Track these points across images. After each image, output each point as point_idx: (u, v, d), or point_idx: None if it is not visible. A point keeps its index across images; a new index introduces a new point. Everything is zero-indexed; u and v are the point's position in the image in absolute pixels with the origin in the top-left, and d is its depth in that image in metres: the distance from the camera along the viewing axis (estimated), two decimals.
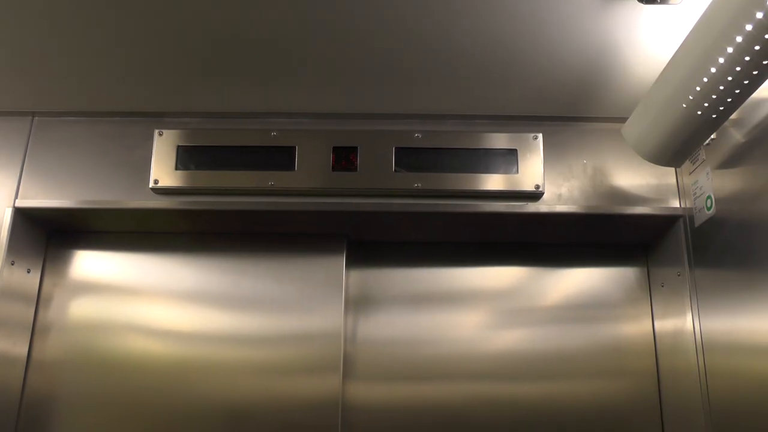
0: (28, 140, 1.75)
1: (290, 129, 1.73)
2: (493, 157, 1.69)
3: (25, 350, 1.76)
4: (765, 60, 1.08)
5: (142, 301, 1.82)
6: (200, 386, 1.75)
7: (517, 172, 1.68)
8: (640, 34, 1.41)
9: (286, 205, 1.69)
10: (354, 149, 1.69)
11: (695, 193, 1.60)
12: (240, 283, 1.83)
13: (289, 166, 1.68)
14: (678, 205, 1.68)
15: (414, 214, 1.70)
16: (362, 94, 1.67)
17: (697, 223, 1.59)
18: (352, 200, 1.69)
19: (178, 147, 1.71)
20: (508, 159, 1.69)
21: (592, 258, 1.90)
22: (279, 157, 1.69)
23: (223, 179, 1.69)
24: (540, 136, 1.71)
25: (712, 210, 1.51)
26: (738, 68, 1.11)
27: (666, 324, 1.76)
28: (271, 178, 1.68)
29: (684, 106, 1.26)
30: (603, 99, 1.66)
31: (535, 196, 1.69)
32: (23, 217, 1.73)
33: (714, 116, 1.25)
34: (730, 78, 1.14)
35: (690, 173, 1.63)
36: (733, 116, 1.36)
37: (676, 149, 1.39)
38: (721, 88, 1.17)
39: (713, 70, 1.15)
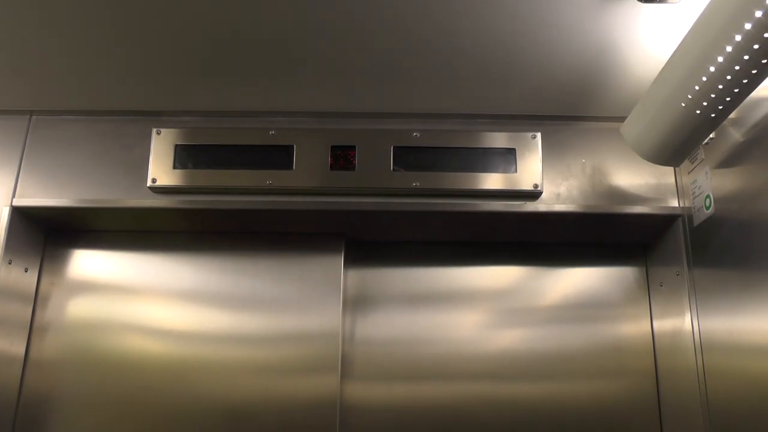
0: (25, 139, 1.75)
1: (288, 128, 1.73)
2: (492, 157, 1.69)
3: (22, 350, 1.76)
4: (764, 59, 1.08)
5: (140, 301, 1.82)
6: (198, 386, 1.75)
7: (516, 171, 1.68)
8: (639, 33, 1.41)
9: (284, 204, 1.69)
10: (352, 148, 1.69)
11: (694, 193, 1.60)
12: (238, 283, 1.83)
13: (287, 165, 1.68)
14: (677, 205, 1.68)
15: (412, 213, 1.70)
16: (360, 93, 1.66)
17: (696, 222, 1.59)
18: (350, 199, 1.69)
19: (176, 146, 1.70)
20: (507, 158, 1.69)
21: (590, 257, 1.90)
22: (277, 156, 1.69)
23: (221, 178, 1.68)
24: (539, 135, 1.71)
25: (711, 209, 1.51)
26: (737, 67, 1.11)
27: (665, 324, 1.76)
28: (270, 177, 1.67)
29: (683, 105, 1.26)
30: (602, 98, 1.66)
31: (534, 195, 1.68)
32: (21, 216, 1.73)
33: (713, 115, 1.25)
34: (729, 77, 1.14)
35: (689, 172, 1.63)
36: (732, 115, 1.36)
37: (675, 148, 1.39)
38: (720, 87, 1.17)
39: (712, 69, 1.15)
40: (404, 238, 1.90)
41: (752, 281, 1.33)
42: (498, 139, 1.71)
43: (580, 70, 1.54)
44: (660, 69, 1.32)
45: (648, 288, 1.87)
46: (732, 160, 1.44)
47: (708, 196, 1.52)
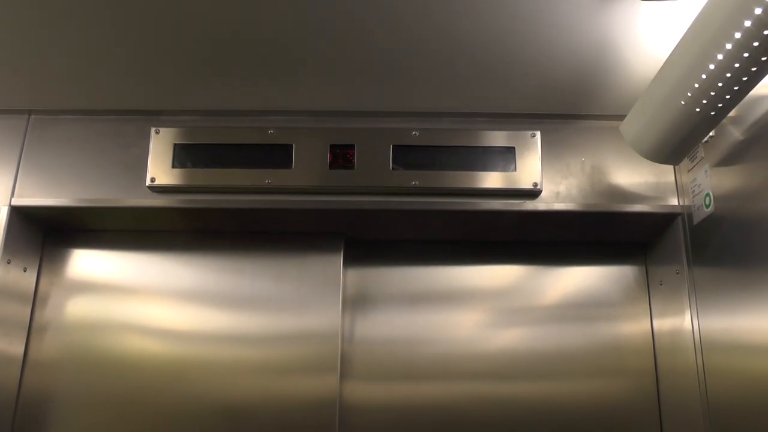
0: (24, 138, 1.75)
1: (287, 127, 1.72)
2: (491, 155, 1.69)
3: (21, 349, 1.76)
4: (763, 57, 1.08)
5: (138, 300, 1.82)
6: (197, 386, 1.75)
7: (515, 170, 1.68)
8: (638, 31, 1.40)
9: (283, 203, 1.69)
10: (351, 147, 1.69)
11: (694, 191, 1.59)
12: (237, 282, 1.83)
13: (286, 164, 1.68)
14: (676, 203, 1.68)
15: (411, 212, 1.70)
16: (360, 92, 1.66)
17: (696, 220, 1.58)
18: (349, 198, 1.68)
19: (175, 145, 1.70)
20: (506, 157, 1.69)
21: (590, 256, 1.90)
22: (276, 155, 1.69)
23: (219, 177, 1.68)
24: (538, 133, 1.71)
25: (710, 208, 1.51)
26: (736, 65, 1.11)
27: (664, 323, 1.76)
28: (268, 176, 1.67)
29: (682, 103, 1.25)
30: (601, 96, 1.66)
31: (533, 194, 1.68)
32: (19, 216, 1.73)
33: (712, 113, 1.25)
34: (728, 75, 1.14)
35: (688, 171, 1.63)
36: (732, 113, 1.35)
37: (675, 147, 1.39)
38: (720, 85, 1.17)
39: (711, 66, 1.14)
40: (403, 237, 1.89)
41: (752, 279, 1.33)
42: (497, 138, 1.70)
43: (579, 68, 1.54)
44: (659, 67, 1.32)
45: (648, 287, 1.86)
46: (732, 158, 1.43)
47: (708, 195, 1.52)
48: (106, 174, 1.71)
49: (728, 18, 1.07)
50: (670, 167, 1.70)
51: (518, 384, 1.79)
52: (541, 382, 1.79)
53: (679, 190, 1.68)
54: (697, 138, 1.36)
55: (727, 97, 1.19)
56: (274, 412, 1.72)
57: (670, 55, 1.27)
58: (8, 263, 1.70)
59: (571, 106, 1.71)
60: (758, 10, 1.01)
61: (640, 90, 1.45)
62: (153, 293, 1.83)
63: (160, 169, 1.69)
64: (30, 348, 1.77)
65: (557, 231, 1.83)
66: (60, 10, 1.37)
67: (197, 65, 1.56)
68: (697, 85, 1.20)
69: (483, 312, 1.86)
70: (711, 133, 1.49)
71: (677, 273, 1.67)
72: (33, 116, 1.77)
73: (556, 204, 1.68)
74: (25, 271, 1.78)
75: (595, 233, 1.83)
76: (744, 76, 1.13)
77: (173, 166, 1.69)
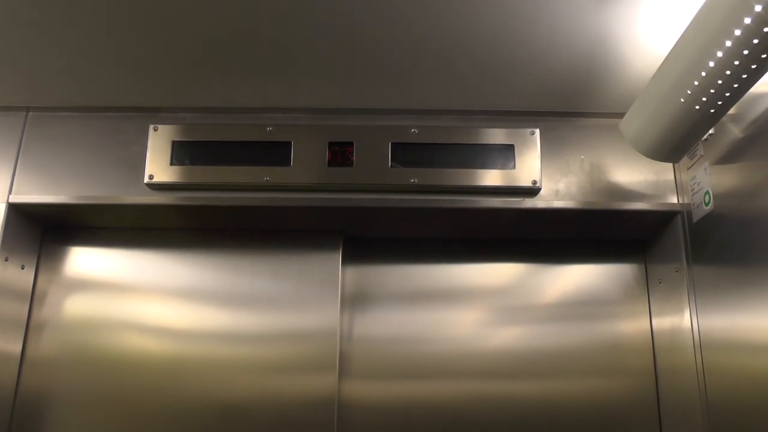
0: (22, 135, 1.74)
1: (286, 124, 1.72)
2: (490, 153, 1.69)
3: (19, 348, 1.75)
4: (763, 54, 1.07)
5: (137, 298, 1.81)
6: (195, 384, 1.74)
7: (514, 167, 1.67)
8: (637, 29, 1.40)
9: (281, 200, 1.69)
10: (350, 144, 1.68)
11: (693, 189, 1.59)
12: (235, 280, 1.82)
13: (284, 161, 1.68)
14: (676, 201, 1.68)
15: (410, 209, 1.69)
16: (358, 89, 1.66)
17: (695, 218, 1.58)
18: (348, 196, 1.68)
19: (173, 142, 1.70)
20: (505, 154, 1.68)
21: (589, 254, 1.89)
22: (274, 153, 1.68)
23: (218, 175, 1.68)
24: (537, 131, 1.70)
25: (710, 206, 1.51)
26: (736, 62, 1.11)
27: (664, 321, 1.75)
28: (267, 174, 1.67)
29: (682, 100, 1.25)
30: (600, 94, 1.65)
31: (532, 191, 1.68)
32: (17, 213, 1.72)
33: (712, 111, 1.24)
34: (728, 72, 1.13)
35: (688, 169, 1.63)
36: (731, 111, 1.35)
37: (674, 144, 1.38)
38: (719, 82, 1.16)
39: (711, 64, 1.14)
40: (402, 235, 1.89)
41: (752, 278, 1.33)
42: (496, 136, 1.70)
43: (578, 65, 1.54)
44: (659, 65, 1.32)
45: (647, 285, 1.86)
46: (731, 156, 1.43)
47: (707, 193, 1.52)
48: (105, 171, 1.71)
49: (728, 15, 1.06)
50: (670, 165, 1.70)
51: (517, 382, 1.79)
52: (540, 380, 1.79)
53: (679, 188, 1.68)
54: (697, 136, 1.36)
55: (727, 94, 1.19)
56: (273, 411, 1.72)
57: (670, 52, 1.27)
58: (6, 261, 1.69)
59: (571, 103, 1.70)
60: (758, 7, 1.01)
61: (640, 88, 1.45)
62: (151, 291, 1.82)
63: (158, 167, 1.68)
64: (28, 346, 1.77)
65: (556, 229, 1.83)
66: (58, 7, 1.36)
67: (195, 62, 1.55)
68: (696, 83, 1.20)
69: (482, 310, 1.85)
70: (710, 131, 1.49)
71: (676, 271, 1.67)
72: (31, 113, 1.76)
73: (555, 202, 1.68)
74: (22, 268, 1.77)
75: (594, 231, 1.83)
76: (744, 74, 1.13)
77: (171, 164, 1.69)
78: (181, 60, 1.54)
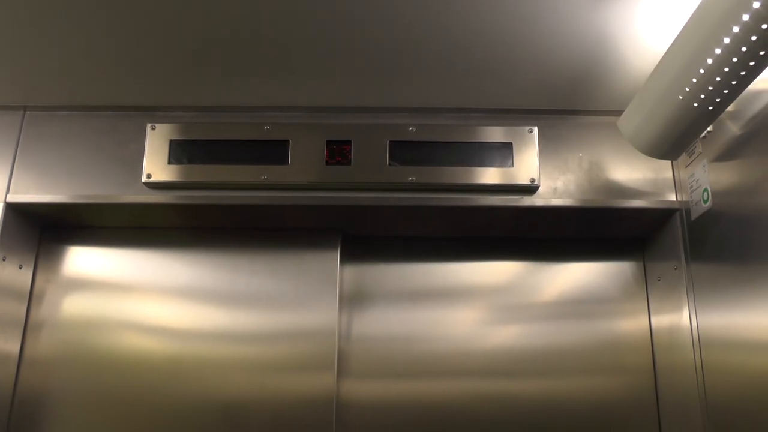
0: (19, 135, 1.74)
1: (284, 123, 1.72)
2: (488, 151, 1.68)
3: (17, 347, 1.75)
4: (761, 51, 1.07)
5: (135, 298, 1.81)
6: (194, 383, 1.74)
7: (513, 165, 1.67)
8: (635, 26, 1.40)
9: (279, 199, 1.68)
10: (348, 143, 1.68)
11: (692, 186, 1.59)
12: (234, 279, 1.82)
13: (282, 160, 1.67)
14: (674, 199, 1.67)
15: (408, 208, 1.69)
16: (356, 87, 1.65)
17: (694, 216, 1.58)
18: (346, 194, 1.68)
19: (171, 141, 1.70)
20: (504, 152, 1.68)
21: (588, 252, 1.89)
22: (272, 151, 1.68)
23: (216, 173, 1.67)
24: (535, 129, 1.70)
25: (708, 203, 1.50)
26: (734, 59, 1.10)
27: (662, 319, 1.75)
28: (265, 173, 1.67)
29: (680, 98, 1.25)
30: (599, 92, 1.65)
31: (531, 189, 1.67)
32: (15, 213, 1.72)
33: (710, 108, 1.24)
34: (726, 69, 1.13)
35: (686, 166, 1.62)
36: (730, 108, 1.35)
37: (673, 142, 1.38)
38: (718, 79, 1.16)
39: (709, 61, 1.14)
40: (401, 234, 1.89)
41: (751, 275, 1.32)
42: (494, 134, 1.70)
43: (576, 63, 1.53)
44: (657, 62, 1.31)
45: (646, 283, 1.86)
46: (730, 153, 1.43)
47: (706, 190, 1.52)
48: (102, 170, 1.71)
49: (726, 12, 1.06)
50: (668, 163, 1.69)
51: (516, 381, 1.79)
52: (538, 379, 1.79)
53: (677, 186, 1.68)
54: (695, 133, 1.36)
55: (725, 91, 1.19)
56: (271, 410, 1.72)
57: (668, 49, 1.26)
58: (3, 260, 1.69)
59: (569, 101, 1.70)
60: (756, 4, 1.00)
61: (638, 85, 1.45)
62: (149, 290, 1.82)
63: (156, 166, 1.68)
64: (26, 346, 1.77)
65: (555, 227, 1.83)
66: (56, 6, 1.36)
67: (193, 61, 1.55)
68: (695, 80, 1.19)
69: (480, 309, 1.85)
70: (709, 128, 1.49)
71: (675, 269, 1.66)
72: (28, 112, 1.76)
73: (553, 200, 1.68)
74: (20, 268, 1.77)
75: (592, 229, 1.83)
76: (742, 71, 1.12)
77: (169, 163, 1.68)
78: (178, 59, 1.54)
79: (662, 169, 1.69)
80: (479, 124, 1.72)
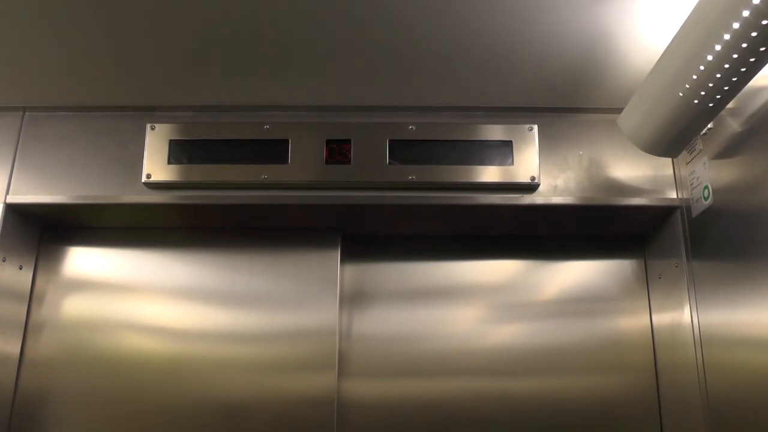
0: (19, 135, 1.74)
1: (283, 122, 1.72)
2: (488, 149, 1.68)
3: (17, 348, 1.75)
4: (762, 47, 1.07)
5: (135, 298, 1.81)
6: (194, 383, 1.74)
7: (513, 163, 1.67)
8: (635, 23, 1.40)
9: (279, 198, 1.68)
10: (348, 142, 1.68)
11: (692, 184, 1.59)
12: (234, 279, 1.82)
13: (282, 159, 1.67)
14: (675, 196, 1.67)
15: (408, 206, 1.69)
16: (356, 86, 1.65)
17: (695, 213, 1.58)
18: (346, 193, 1.68)
19: (171, 141, 1.69)
20: (504, 150, 1.68)
21: (588, 250, 1.89)
22: (272, 151, 1.68)
23: (216, 173, 1.67)
24: (535, 127, 1.70)
25: (709, 200, 1.50)
26: (735, 55, 1.10)
27: (664, 317, 1.75)
28: (265, 172, 1.66)
29: (680, 95, 1.25)
30: (599, 89, 1.65)
31: (531, 187, 1.67)
32: (14, 213, 1.72)
33: (710, 105, 1.24)
34: (726, 65, 1.13)
35: (687, 163, 1.62)
36: (730, 105, 1.35)
37: (673, 139, 1.38)
38: (718, 76, 1.16)
39: (710, 57, 1.14)
40: (401, 233, 1.89)
41: (752, 272, 1.32)
42: (494, 132, 1.70)
43: (576, 61, 1.53)
44: (657, 59, 1.31)
45: (647, 280, 1.86)
46: (730, 150, 1.43)
47: (706, 187, 1.51)
48: (102, 171, 1.70)
49: (726, 8, 1.06)
50: (669, 160, 1.69)
51: (517, 380, 1.79)
52: (539, 377, 1.79)
53: (678, 183, 1.68)
54: (696, 130, 1.36)
55: (725, 88, 1.18)
56: (272, 410, 1.72)
57: (668, 46, 1.26)
58: (3, 261, 1.69)
59: (569, 99, 1.70)
60: (756, 0, 1.00)
61: (638, 82, 1.44)
62: (150, 291, 1.82)
63: (155, 166, 1.68)
64: (26, 347, 1.77)
65: (555, 225, 1.83)
66: (55, 6, 1.36)
67: (192, 61, 1.55)
68: (695, 77, 1.19)
69: (481, 307, 1.85)
70: (709, 125, 1.48)
71: (676, 266, 1.66)
72: (28, 113, 1.76)
73: (553, 198, 1.68)
74: (20, 269, 1.77)
75: (593, 227, 1.83)
76: (742, 67, 1.12)
77: (169, 163, 1.68)
78: (177, 59, 1.54)
79: (663, 167, 1.69)
80: (479, 122, 1.72)
